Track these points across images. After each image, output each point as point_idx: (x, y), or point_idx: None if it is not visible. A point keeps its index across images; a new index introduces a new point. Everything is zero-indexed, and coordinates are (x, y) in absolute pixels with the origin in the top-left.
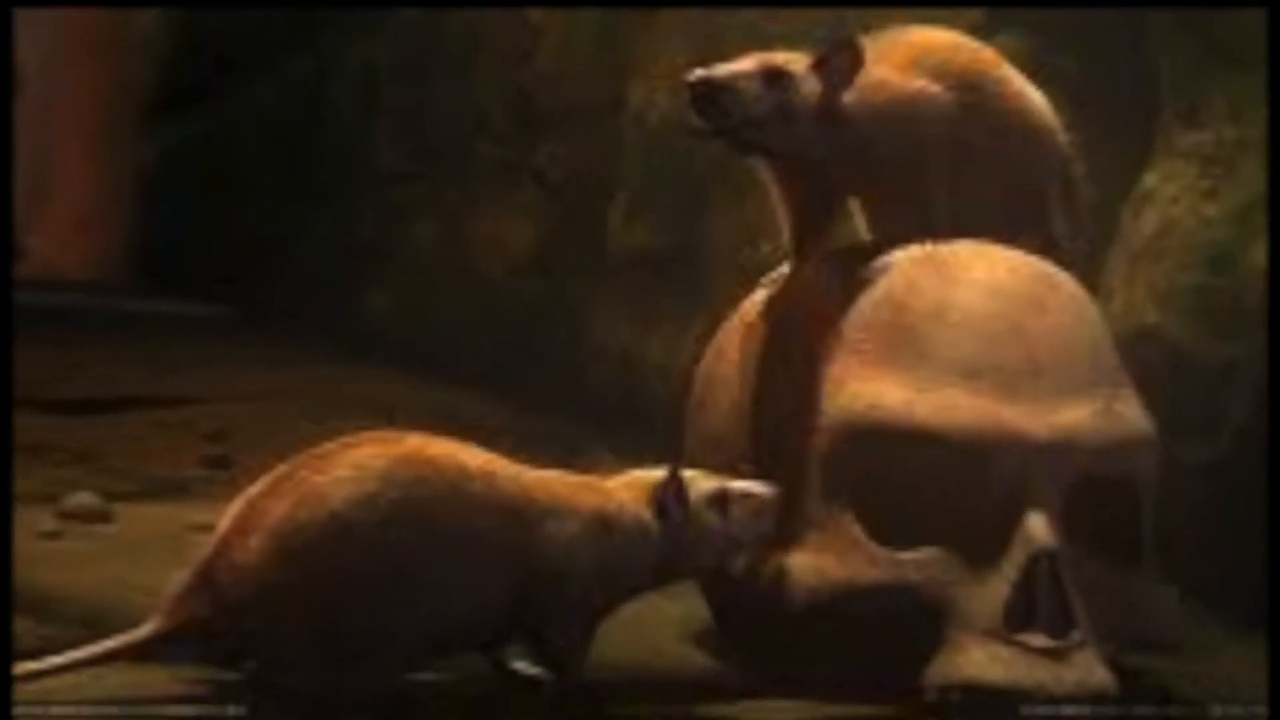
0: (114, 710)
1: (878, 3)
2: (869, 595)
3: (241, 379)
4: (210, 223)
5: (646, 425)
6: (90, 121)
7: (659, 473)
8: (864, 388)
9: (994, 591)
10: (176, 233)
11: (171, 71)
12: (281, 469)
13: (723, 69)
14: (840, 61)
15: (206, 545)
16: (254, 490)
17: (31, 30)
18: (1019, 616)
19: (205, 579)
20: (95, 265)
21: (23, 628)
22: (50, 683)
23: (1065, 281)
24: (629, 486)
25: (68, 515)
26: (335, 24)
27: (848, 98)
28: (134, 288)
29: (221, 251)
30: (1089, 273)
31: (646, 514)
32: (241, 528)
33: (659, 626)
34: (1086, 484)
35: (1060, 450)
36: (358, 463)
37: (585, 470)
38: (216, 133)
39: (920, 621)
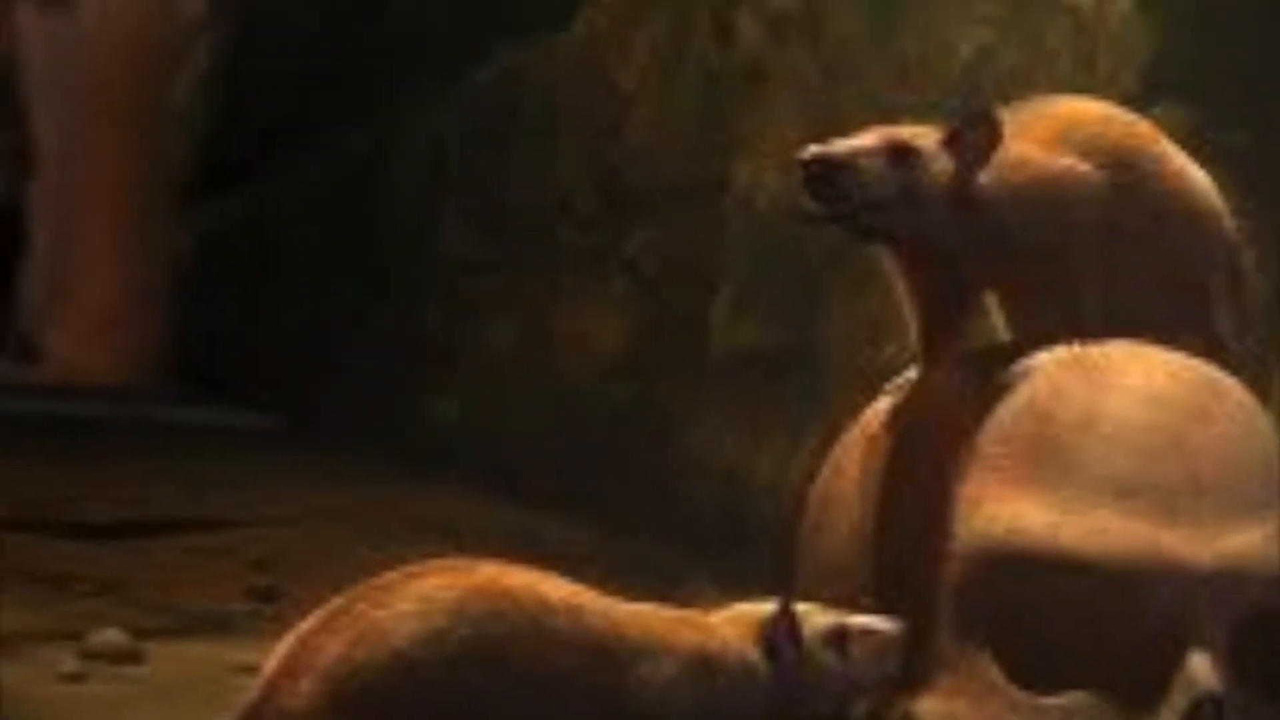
0: None
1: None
2: None
3: (290, 498)
4: (254, 319)
5: (753, 552)
6: (117, 204)
7: (768, 606)
8: (1002, 509)
9: None
10: (215, 331)
11: (210, 147)
12: (336, 602)
13: (841, 145)
14: (975, 136)
15: (251, 689)
16: (305, 626)
17: (50, 101)
18: None
19: None
20: (123, 368)
21: None
22: None
23: (1232, 388)
24: (734, 622)
25: (93, 655)
26: (396, 92)
27: (984, 178)
28: (167, 394)
29: (267, 352)
30: (1259, 378)
31: (754, 653)
32: (291, 669)
33: None
34: (1257, 618)
35: (1227, 580)
36: (424, 595)
37: (684, 603)
38: (261, 216)
39: None
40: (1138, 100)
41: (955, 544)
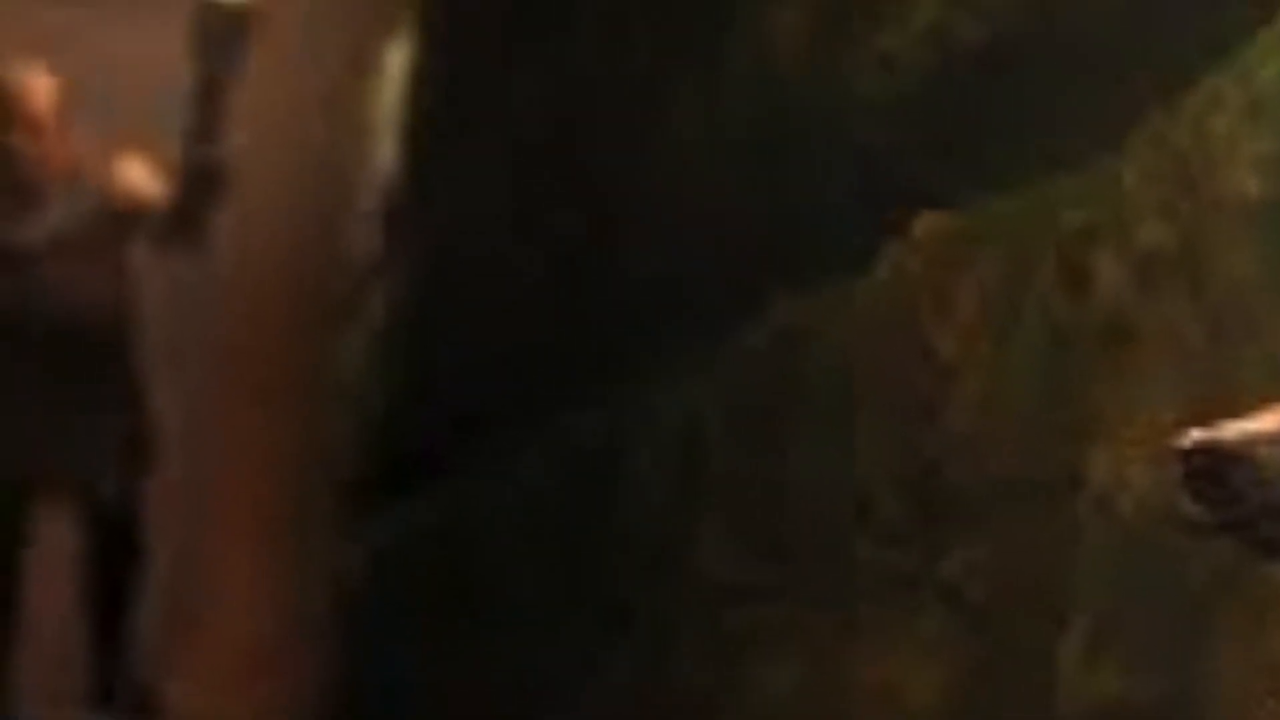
0: None
1: None
2: None
3: None
4: (446, 663)
5: None
6: (262, 508)
7: None
8: None
9: None
10: (394, 678)
11: (387, 433)
12: None
13: (1233, 430)
14: None
15: None
16: None
17: (173, 371)
18: None
19: None
20: None
21: None
22: None
23: None
24: None
25: None
26: (639, 360)
27: None
28: None
29: (463, 706)
30: None
31: None
32: None
33: None
34: None
35: None
36: None
37: None
38: (456, 526)
39: None
40: None
41: None
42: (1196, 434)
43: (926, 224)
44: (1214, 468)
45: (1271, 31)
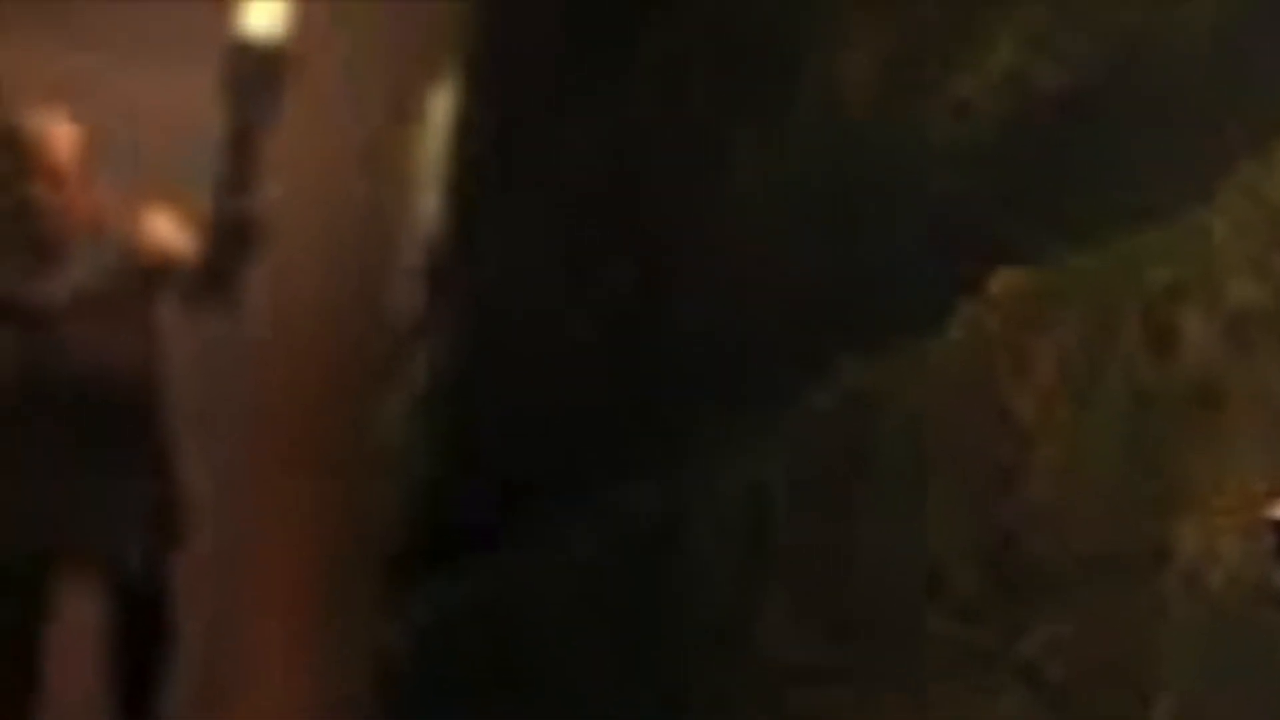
0: None
1: None
2: None
3: None
4: None
5: None
6: (298, 583)
7: None
8: None
9: None
10: None
11: (431, 504)
12: None
13: None
14: None
15: None
16: None
17: (203, 437)
18: None
19: None
20: None
21: None
22: None
23: None
24: None
25: None
26: (698, 426)
27: None
28: None
29: None
30: None
31: None
32: None
33: None
34: None
35: None
36: None
37: None
38: (505, 603)
39: None
40: None
41: None
42: None
43: (1004, 281)
44: None
45: None
